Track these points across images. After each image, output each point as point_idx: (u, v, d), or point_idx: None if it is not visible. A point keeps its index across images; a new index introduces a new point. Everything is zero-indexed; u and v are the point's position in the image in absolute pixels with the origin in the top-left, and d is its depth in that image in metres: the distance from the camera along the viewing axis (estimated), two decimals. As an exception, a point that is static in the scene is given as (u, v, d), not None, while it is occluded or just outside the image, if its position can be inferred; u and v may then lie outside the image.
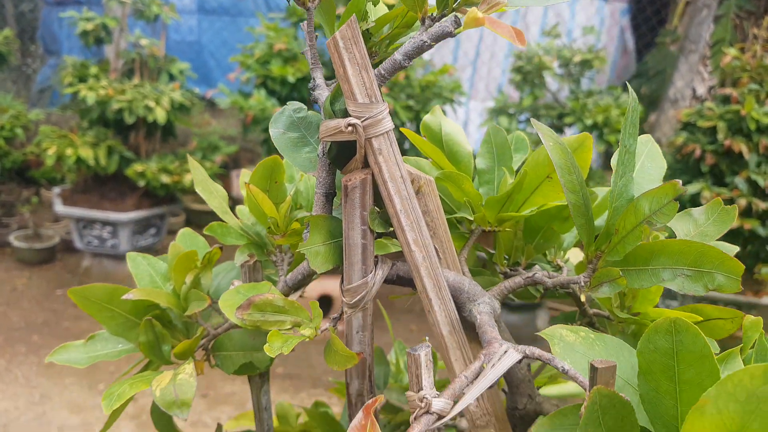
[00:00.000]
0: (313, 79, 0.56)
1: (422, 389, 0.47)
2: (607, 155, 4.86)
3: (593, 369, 0.46)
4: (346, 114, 0.52)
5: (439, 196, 0.66)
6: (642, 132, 0.68)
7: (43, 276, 4.51)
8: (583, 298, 0.56)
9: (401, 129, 0.68)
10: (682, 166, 4.26)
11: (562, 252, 0.71)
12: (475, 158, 0.73)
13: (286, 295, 0.63)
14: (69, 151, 3.92)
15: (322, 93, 0.56)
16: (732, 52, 4.31)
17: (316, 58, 0.56)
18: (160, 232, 4.38)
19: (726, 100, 4.25)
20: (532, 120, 0.55)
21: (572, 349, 0.51)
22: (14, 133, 4.34)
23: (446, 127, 0.71)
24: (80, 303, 0.64)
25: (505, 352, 0.50)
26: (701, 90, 5.48)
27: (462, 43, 5.34)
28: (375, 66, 0.52)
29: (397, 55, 0.50)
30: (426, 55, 5.05)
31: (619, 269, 0.53)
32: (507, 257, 0.70)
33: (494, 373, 0.49)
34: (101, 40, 4.05)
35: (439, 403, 0.47)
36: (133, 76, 4.20)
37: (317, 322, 0.56)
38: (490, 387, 0.60)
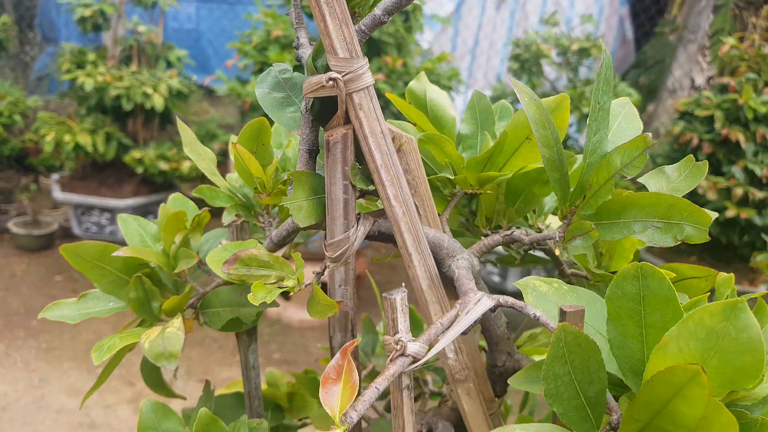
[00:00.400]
0: (297, 38, 0.58)
1: (398, 332, 0.49)
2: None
3: (562, 313, 0.48)
4: (328, 70, 0.53)
5: (422, 159, 0.67)
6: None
7: (42, 262, 4.53)
8: (557, 252, 0.58)
9: (387, 95, 0.69)
10: (679, 155, 4.27)
11: (543, 216, 0.73)
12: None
13: (272, 252, 0.64)
14: (67, 138, 3.93)
15: (306, 51, 0.57)
16: (730, 41, 4.31)
17: (300, 18, 0.58)
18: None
19: (723, 89, 4.25)
20: (509, 77, 0.56)
21: (545, 298, 0.52)
22: (13, 120, 4.35)
23: (431, 93, 0.73)
24: (72, 260, 0.65)
25: (479, 300, 0.52)
26: (700, 80, 5.48)
27: (461, 32, 5.34)
28: (357, 25, 0.54)
29: (377, 11, 0.51)
30: (425, 44, 5.04)
31: (592, 223, 0.55)
32: (489, 220, 0.72)
33: (468, 319, 0.51)
34: (99, 27, 4.05)
35: (414, 347, 0.49)
36: (131, 62, 4.20)
37: (300, 274, 0.58)
38: (469, 338, 0.62)
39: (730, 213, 3.95)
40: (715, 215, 0.70)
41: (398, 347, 0.49)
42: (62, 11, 4.99)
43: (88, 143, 3.96)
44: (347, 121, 0.55)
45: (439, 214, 0.67)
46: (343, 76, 0.51)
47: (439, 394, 0.94)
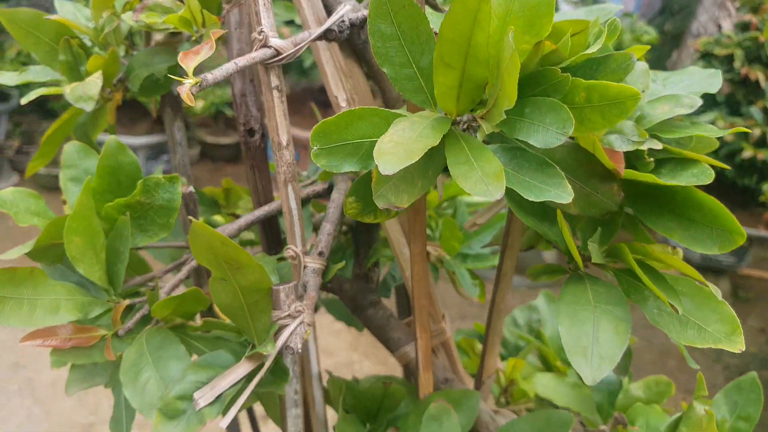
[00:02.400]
0: None
1: (261, 25, 0.54)
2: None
3: None
4: None
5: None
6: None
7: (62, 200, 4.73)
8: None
9: None
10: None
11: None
12: None
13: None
14: (85, 74, 4.06)
15: None
16: (755, -24, 4.15)
17: None
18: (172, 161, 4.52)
19: (745, 27, 4.11)
20: None
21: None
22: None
23: None
24: (8, 25, 0.72)
25: (344, 7, 0.56)
26: (726, 25, 5.28)
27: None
28: None
29: None
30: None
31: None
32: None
33: (330, 20, 0.56)
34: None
35: (278, 41, 0.54)
36: (146, 2, 4.28)
37: (197, 14, 0.63)
38: (365, 95, 0.66)
39: (747, 154, 3.86)
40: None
41: (260, 37, 0.54)
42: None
43: (105, 80, 4.07)
44: None
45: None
46: None
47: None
